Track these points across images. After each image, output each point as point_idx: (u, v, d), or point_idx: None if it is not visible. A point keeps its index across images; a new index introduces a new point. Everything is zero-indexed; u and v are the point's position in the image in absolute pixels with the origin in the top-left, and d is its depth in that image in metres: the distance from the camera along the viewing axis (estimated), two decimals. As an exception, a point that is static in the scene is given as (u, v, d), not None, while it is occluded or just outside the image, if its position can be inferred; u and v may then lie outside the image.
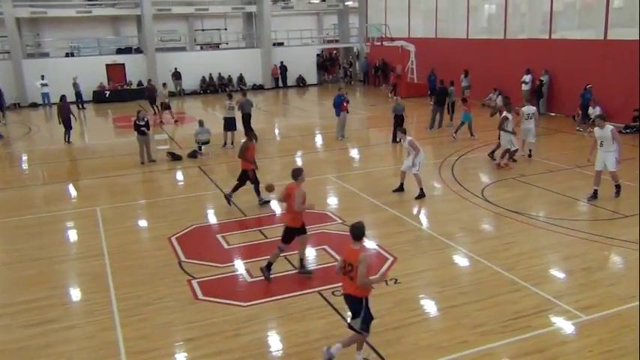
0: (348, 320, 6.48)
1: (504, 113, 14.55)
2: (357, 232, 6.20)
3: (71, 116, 20.46)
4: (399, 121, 17.96)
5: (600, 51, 20.20)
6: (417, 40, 29.32)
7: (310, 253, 9.78)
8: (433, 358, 6.52)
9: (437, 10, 29.33)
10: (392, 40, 29.60)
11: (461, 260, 9.37)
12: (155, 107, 25.51)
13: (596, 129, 11.80)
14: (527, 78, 22.85)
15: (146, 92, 27.28)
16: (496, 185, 13.31)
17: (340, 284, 6.61)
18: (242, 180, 12.30)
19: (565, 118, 21.32)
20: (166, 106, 24.32)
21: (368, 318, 6.21)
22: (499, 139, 14.79)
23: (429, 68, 26.79)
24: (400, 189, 12.85)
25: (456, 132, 18.40)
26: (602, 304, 7.55)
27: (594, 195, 11.79)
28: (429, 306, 7.86)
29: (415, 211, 12.07)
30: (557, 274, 8.72)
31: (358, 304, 6.17)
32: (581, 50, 21.02)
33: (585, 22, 22.74)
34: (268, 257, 8.73)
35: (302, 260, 8.90)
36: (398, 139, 14.54)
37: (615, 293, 7.89)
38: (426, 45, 28.67)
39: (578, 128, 19.34)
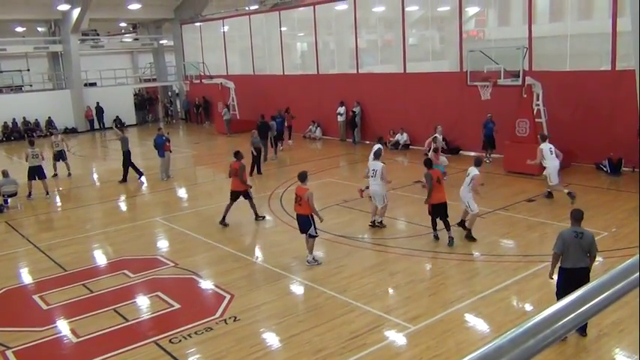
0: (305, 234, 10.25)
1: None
2: (302, 175, 10.42)
3: None
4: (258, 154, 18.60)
5: (401, 82, 22.34)
6: (235, 77, 29.77)
7: (143, 301, 9.30)
8: (279, 391, 6.53)
9: (252, 48, 30.13)
10: (211, 77, 29.71)
11: (297, 289, 9.57)
12: None
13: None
14: (341, 110, 24.38)
15: None
16: (323, 212, 13.83)
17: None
18: (233, 200, 13.03)
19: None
20: (61, 156, 20.01)
21: (314, 227, 10.19)
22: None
23: (251, 104, 27.44)
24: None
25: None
26: (426, 313, 8.20)
27: (551, 195, 13.64)
28: (271, 339, 7.88)
29: (248, 246, 12.08)
30: (386, 290, 9.30)
31: (307, 220, 10.12)
32: (385, 82, 23.06)
33: (387, 57, 25.05)
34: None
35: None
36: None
37: (437, 301, 8.64)
38: (245, 81, 29.23)
39: (486, 160, 17.98)
